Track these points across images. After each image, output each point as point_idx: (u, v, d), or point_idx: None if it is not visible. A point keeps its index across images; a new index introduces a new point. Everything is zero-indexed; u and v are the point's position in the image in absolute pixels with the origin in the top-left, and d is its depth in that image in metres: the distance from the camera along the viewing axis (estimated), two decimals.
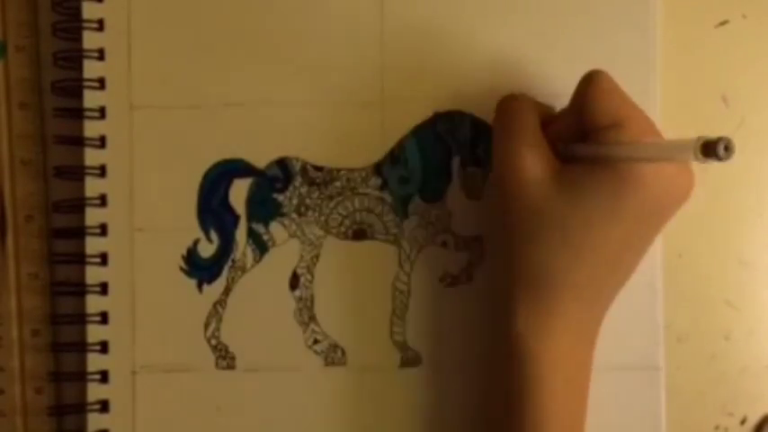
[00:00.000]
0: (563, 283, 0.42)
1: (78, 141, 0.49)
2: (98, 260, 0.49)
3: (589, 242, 0.41)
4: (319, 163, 0.49)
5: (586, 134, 0.42)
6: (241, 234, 0.49)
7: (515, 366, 0.42)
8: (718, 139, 0.33)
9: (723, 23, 0.50)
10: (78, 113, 0.49)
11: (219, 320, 0.49)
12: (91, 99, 0.49)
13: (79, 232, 0.49)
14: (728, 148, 0.33)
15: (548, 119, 0.45)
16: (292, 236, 0.49)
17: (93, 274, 0.49)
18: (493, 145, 0.45)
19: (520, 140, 0.43)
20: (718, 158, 0.33)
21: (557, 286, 0.42)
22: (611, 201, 0.41)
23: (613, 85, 0.42)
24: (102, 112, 0.49)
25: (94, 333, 0.49)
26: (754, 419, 0.50)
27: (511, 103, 0.45)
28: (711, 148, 0.33)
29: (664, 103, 0.48)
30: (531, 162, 0.42)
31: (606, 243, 0.42)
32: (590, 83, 0.42)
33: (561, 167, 0.42)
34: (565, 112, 0.45)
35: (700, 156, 0.34)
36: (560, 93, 0.48)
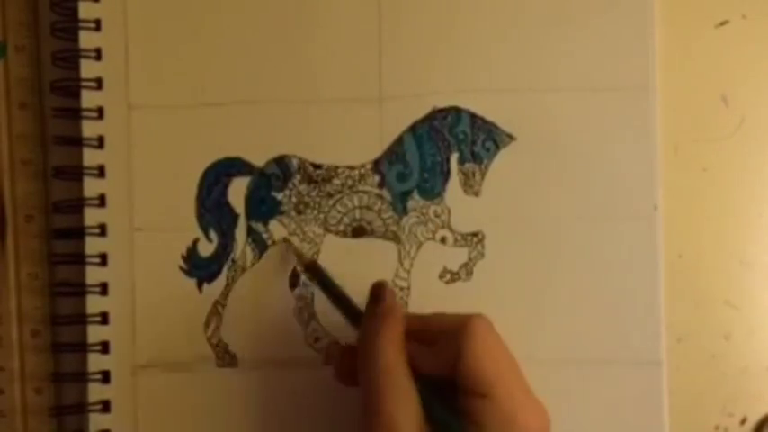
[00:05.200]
0: None
1: (77, 142, 0.49)
2: (98, 260, 0.49)
3: None
4: (318, 161, 0.49)
5: (453, 385, 0.41)
6: (240, 233, 0.49)
7: None
8: None
9: (723, 23, 0.50)
10: (77, 114, 0.49)
11: (220, 319, 0.49)
12: (88, 99, 0.49)
13: (79, 232, 0.49)
14: None
15: (415, 331, 0.43)
16: (292, 234, 0.49)
17: (93, 275, 0.49)
18: (363, 399, 0.41)
19: (390, 398, 0.40)
20: None
21: None
22: None
23: (490, 342, 0.41)
24: (99, 113, 0.49)
25: (95, 333, 0.49)
26: (754, 419, 0.50)
27: (376, 352, 0.41)
28: None
29: (664, 103, 0.48)
30: (404, 424, 0.40)
31: None
32: (467, 337, 0.40)
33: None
34: (435, 350, 0.42)
35: None
36: (558, 89, 0.48)
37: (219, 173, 0.49)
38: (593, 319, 0.48)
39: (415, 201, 0.49)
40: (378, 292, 0.44)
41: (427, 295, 0.48)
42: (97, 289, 0.49)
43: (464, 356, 0.40)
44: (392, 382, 0.40)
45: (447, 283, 0.49)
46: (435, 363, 0.41)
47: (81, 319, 0.49)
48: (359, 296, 0.48)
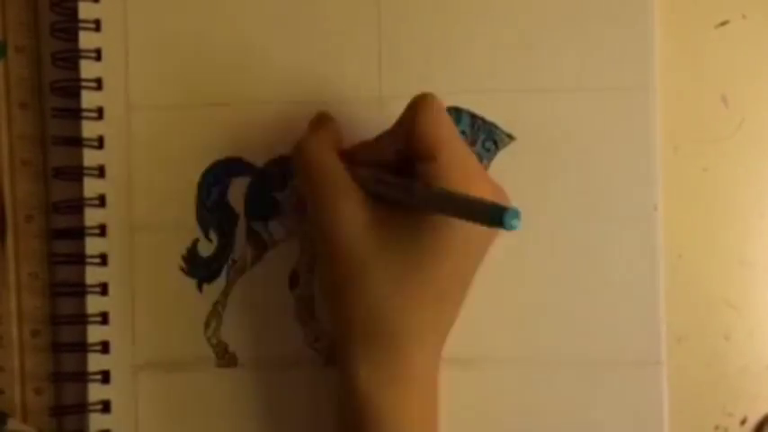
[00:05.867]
0: (400, 330, 0.41)
1: (77, 142, 0.49)
2: (98, 260, 0.49)
3: (419, 282, 0.41)
4: None
5: (403, 160, 0.42)
6: (240, 233, 0.49)
7: (362, 425, 0.41)
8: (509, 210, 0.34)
9: (723, 23, 0.50)
10: (77, 114, 0.49)
11: (220, 320, 0.49)
12: (88, 99, 0.49)
13: (79, 232, 0.49)
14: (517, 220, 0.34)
15: (351, 148, 0.45)
16: (291, 234, 0.49)
17: (93, 275, 0.49)
18: (307, 200, 0.44)
19: (330, 193, 0.42)
20: (506, 228, 0.34)
21: (394, 333, 0.41)
22: (438, 241, 0.40)
23: (442, 114, 0.42)
24: (99, 113, 0.49)
25: (95, 333, 0.49)
26: (754, 419, 0.50)
27: (307, 152, 0.43)
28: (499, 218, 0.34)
29: (664, 103, 0.48)
30: (349, 215, 0.41)
31: (435, 280, 0.41)
32: (421, 106, 0.42)
33: (380, 213, 0.42)
34: (382, 136, 0.44)
35: (489, 222, 0.35)
36: (558, 89, 0.48)
37: (219, 173, 0.49)
38: (593, 319, 0.48)
39: None
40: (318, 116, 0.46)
41: None
42: (97, 289, 0.49)
43: (417, 122, 0.41)
44: (328, 176, 0.42)
45: None
46: (392, 142, 0.43)
47: (81, 319, 0.49)
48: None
